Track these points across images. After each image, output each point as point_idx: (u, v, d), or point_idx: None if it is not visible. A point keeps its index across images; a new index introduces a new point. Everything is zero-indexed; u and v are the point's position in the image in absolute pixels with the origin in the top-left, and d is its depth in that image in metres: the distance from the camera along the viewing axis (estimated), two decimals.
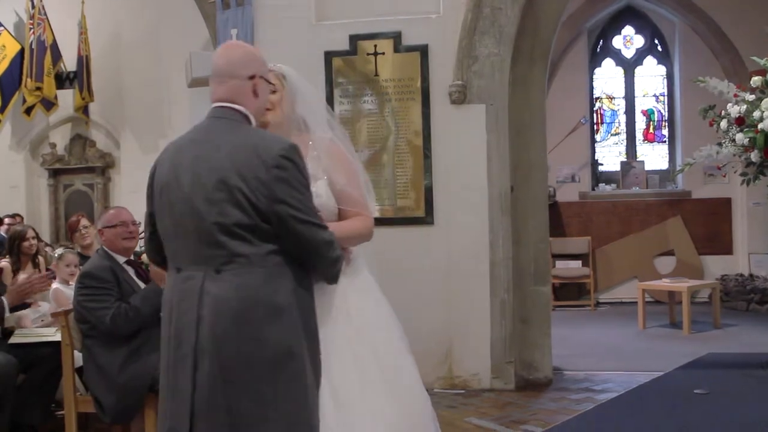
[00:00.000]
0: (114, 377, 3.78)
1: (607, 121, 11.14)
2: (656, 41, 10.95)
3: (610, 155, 11.06)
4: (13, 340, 4.42)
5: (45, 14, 9.46)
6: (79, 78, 9.59)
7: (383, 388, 2.53)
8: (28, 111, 9.53)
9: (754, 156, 5.54)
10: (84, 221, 6.10)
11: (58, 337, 4.14)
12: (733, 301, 9.52)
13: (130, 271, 4.06)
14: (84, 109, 9.74)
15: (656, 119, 11.03)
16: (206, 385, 2.21)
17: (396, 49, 5.70)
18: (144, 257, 3.93)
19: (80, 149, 9.97)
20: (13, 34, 9.62)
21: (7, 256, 5.32)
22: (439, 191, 5.64)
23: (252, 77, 2.37)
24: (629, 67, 11.04)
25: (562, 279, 10.04)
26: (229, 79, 2.36)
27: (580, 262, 10.16)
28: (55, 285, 5.04)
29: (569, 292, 10.26)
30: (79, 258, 5.35)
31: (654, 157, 10.97)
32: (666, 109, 10.97)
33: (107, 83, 9.69)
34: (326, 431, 2.36)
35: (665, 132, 10.97)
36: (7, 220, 8.01)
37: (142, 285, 4.04)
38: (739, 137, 5.55)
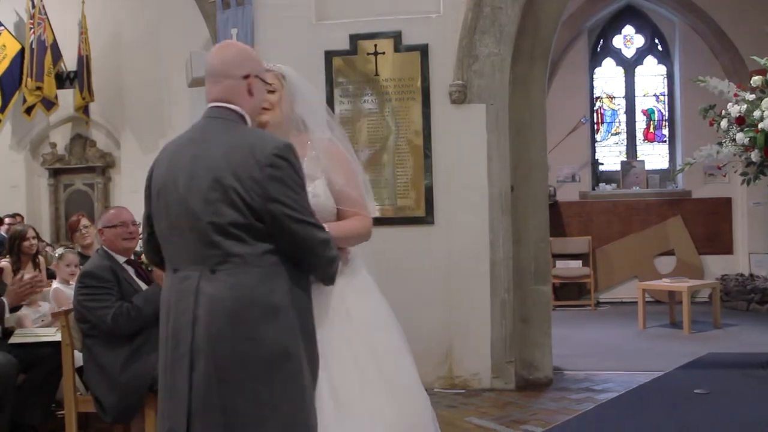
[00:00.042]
0: (115, 377, 3.79)
1: (608, 120, 11.14)
2: (656, 41, 10.95)
3: (610, 155, 11.06)
4: (13, 340, 4.42)
5: (45, 14, 9.46)
6: (79, 78, 9.59)
7: (382, 388, 2.52)
8: (29, 111, 9.53)
9: (755, 156, 5.54)
10: (84, 221, 6.11)
11: (58, 337, 4.14)
12: (734, 300, 9.52)
13: (130, 270, 4.06)
14: (84, 109, 9.74)
15: (656, 119, 11.03)
16: (202, 385, 2.21)
17: (396, 49, 5.70)
18: (144, 257, 3.93)
19: (80, 149, 9.97)
20: (13, 33, 9.62)
21: (8, 256, 5.32)
22: (440, 191, 5.64)
23: (246, 76, 2.37)
24: (629, 66, 11.04)
25: (563, 279, 10.04)
26: (223, 78, 2.35)
27: (580, 261, 10.16)
28: (55, 285, 5.05)
29: (569, 291, 10.26)
30: (80, 258, 5.35)
31: (654, 156, 10.98)
32: (666, 109, 10.97)
33: (107, 83, 9.69)
34: (325, 431, 2.35)
35: (665, 132, 10.97)
36: (7, 220, 8.01)
37: (142, 284, 4.04)
38: (740, 137, 5.55)
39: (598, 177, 10.88)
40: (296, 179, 2.26)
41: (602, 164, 10.99)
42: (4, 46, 9.50)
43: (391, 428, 2.48)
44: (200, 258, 2.25)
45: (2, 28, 9.56)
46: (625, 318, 8.84)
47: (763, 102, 5.42)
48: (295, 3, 5.80)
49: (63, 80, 9.83)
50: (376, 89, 5.73)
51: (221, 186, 2.20)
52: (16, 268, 5.23)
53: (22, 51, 9.43)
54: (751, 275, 9.90)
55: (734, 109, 5.63)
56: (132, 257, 4.14)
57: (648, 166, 10.80)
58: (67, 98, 9.76)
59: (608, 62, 11.09)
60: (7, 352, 4.26)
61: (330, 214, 2.62)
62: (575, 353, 6.69)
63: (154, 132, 9.25)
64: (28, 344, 4.41)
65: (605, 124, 11.13)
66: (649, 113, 11.06)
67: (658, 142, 11.01)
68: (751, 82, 5.66)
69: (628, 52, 11.05)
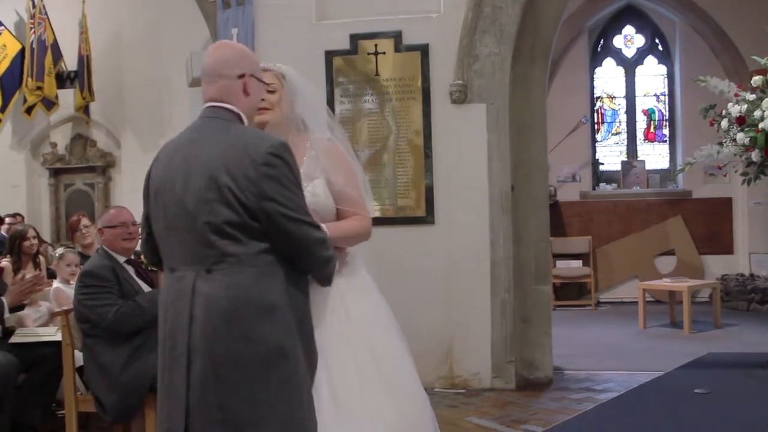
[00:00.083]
0: (116, 376, 3.79)
1: (608, 120, 11.13)
2: (657, 40, 10.94)
3: (610, 155, 11.06)
4: (13, 339, 4.42)
5: (46, 14, 9.46)
6: (79, 77, 9.59)
7: (382, 388, 2.52)
8: (29, 110, 9.53)
9: (755, 155, 5.53)
10: (85, 221, 6.11)
11: (58, 337, 4.14)
12: (734, 300, 9.52)
13: (131, 270, 4.06)
14: (85, 109, 9.73)
15: (657, 119, 11.02)
16: (199, 385, 2.21)
17: (396, 49, 5.70)
18: (143, 257, 3.94)
19: (81, 149, 9.97)
20: (13, 33, 9.62)
21: (8, 256, 5.32)
22: (440, 191, 5.64)
23: (241, 76, 2.36)
24: (630, 66, 11.04)
25: (563, 278, 10.04)
26: (218, 78, 2.35)
27: (580, 261, 10.16)
28: (55, 284, 5.05)
29: (570, 291, 10.26)
30: (80, 257, 5.35)
31: (655, 156, 10.97)
32: (667, 109, 10.97)
33: (108, 83, 9.69)
34: (325, 431, 2.35)
35: (666, 131, 10.97)
36: (7, 220, 8.00)
37: (142, 284, 4.05)
38: (740, 137, 5.54)
39: (599, 177, 10.88)
40: (291, 178, 2.25)
41: (603, 164, 10.98)
42: (5, 45, 9.50)
43: (391, 428, 2.49)
44: (196, 258, 2.25)
45: (2, 27, 9.56)
46: (625, 318, 8.84)
47: (763, 102, 5.42)
48: (295, 3, 5.80)
49: (63, 80, 9.83)
50: (376, 89, 5.73)
51: (216, 185, 2.20)
52: (17, 268, 5.23)
53: (22, 51, 9.43)
54: (752, 275, 9.89)
55: (735, 109, 5.63)
56: (132, 257, 4.14)
57: (648, 166, 10.80)
58: (68, 98, 9.76)
59: (609, 62, 11.09)
60: (7, 351, 4.27)
61: (330, 213, 2.62)
62: (576, 353, 6.69)
63: (155, 132, 9.24)
64: (29, 344, 4.41)
65: (606, 124, 11.13)
66: (649, 113, 11.05)
67: (659, 142, 11.01)
68: (752, 81, 5.66)
69: (629, 52, 11.05)
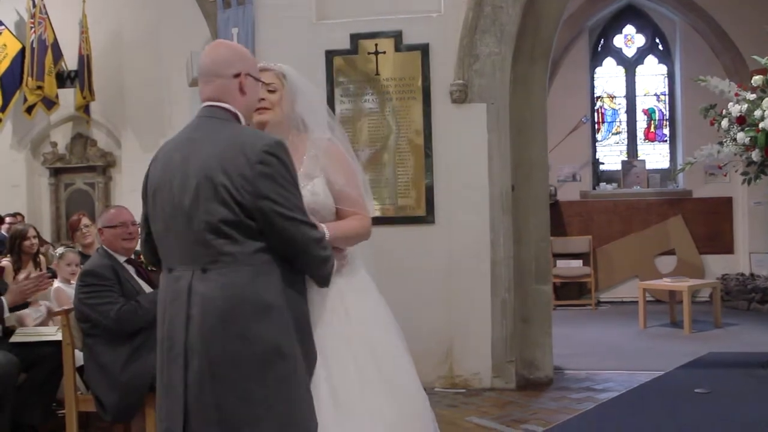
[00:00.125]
0: (116, 376, 3.79)
1: (608, 120, 11.14)
2: (657, 40, 10.94)
3: (611, 154, 11.06)
4: (14, 339, 4.42)
5: (46, 13, 9.46)
6: (80, 77, 9.59)
7: (382, 388, 2.52)
8: (29, 110, 9.52)
9: (755, 155, 5.53)
10: (85, 220, 6.11)
11: (59, 336, 4.14)
12: (734, 300, 9.53)
13: (131, 269, 4.06)
14: (85, 108, 9.73)
15: (657, 118, 11.02)
16: (196, 384, 2.21)
17: (397, 48, 5.70)
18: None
19: (81, 148, 9.97)
20: (14, 33, 9.62)
21: (8, 255, 5.32)
22: (440, 190, 5.64)
23: (237, 75, 2.36)
24: (630, 66, 11.04)
25: (563, 278, 10.04)
26: (215, 78, 2.35)
27: (581, 261, 10.16)
28: (56, 284, 5.04)
29: (570, 291, 10.26)
30: (80, 257, 5.35)
31: (655, 156, 10.97)
32: (667, 108, 10.97)
33: (108, 82, 9.69)
34: (325, 431, 2.35)
35: (666, 131, 10.97)
36: (8, 219, 8.00)
37: (142, 284, 4.05)
38: (740, 136, 5.54)
39: (599, 176, 10.88)
40: (287, 177, 2.24)
41: (603, 164, 10.98)
42: (5, 45, 9.50)
43: (391, 428, 2.48)
44: (193, 257, 2.25)
45: (3, 27, 9.56)
46: (625, 317, 8.84)
47: (763, 101, 5.42)
48: (295, 2, 5.80)
49: (64, 79, 9.83)
50: (376, 89, 5.73)
51: (212, 184, 2.20)
52: (17, 268, 5.23)
53: (22, 50, 9.43)
54: (752, 275, 9.89)
55: (735, 109, 5.63)
56: (132, 257, 4.14)
57: (649, 166, 10.80)
58: (68, 97, 9.76)
59: (609, 62, 11.09)
60: (7, 351, 4.27)
61: (329, 212, 2.62)
62: (576, 353, 6.69)
63: (155, 131, 9.24)
64: (29, 343, 4.41)
65: (606, 124, 11.13)
66: (649, 113, 11.05)
67: (659, 141, 11.01)
68: (752, 81, 5.66)
69: (629, 52, 11.05)
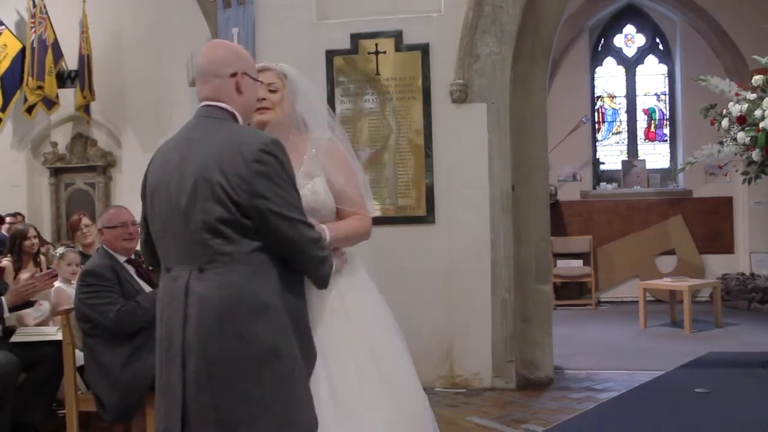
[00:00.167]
0: (116, 376, 3.79)
1: (609, 120, 11.13)
2: (657, 40, 10.94)
3: (611, 154, 11.06)
4: (14, 338, 4.42)
5: (46, 13, 9.46)
6: (80, 77, 9.59)
7: (382, 388, 2.52)
8: (30, 110, 9.52)
9: (756, 155, 5.53)
10: (85, 220, 6.11)
11: (59, 336, 4.15)
12: (735, 300, 9.53)
13: (131, 270, 4.07)
14: (85, 108, 9.73)
15: (657, 118, 11.02)
16: (194, 384, 2.21)
17: (397, 48, 5.70)
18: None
19: (81, 148, 9.97)
20: (14, 33, 9.62)
21: (9, 255, 5.32)
22: (441, 190, 5.64)
23: (234, 74, 2.36)
24: (630, 65, 11.04)
25: (564, 278, 10.04)
26: (212, 78, 2.36)
27: (581, 261, 10.16)
28: (56, 284, 5.04)
29: (570, 291, 10.26)
30: (81, 257, 5.35)
31: (655, 156, 10.97)
32: (667, 108, 10.97)
33: (108, 82, 9.69)
34: (325, 431, 2.35)
35: (666, 131, 10.97)
36: (8, 219, 8.01)
37: (142, 284, 4.05)
38: (741, 136, 5.54)
39: (599, 176, 10.88)
40: (283, 176, 2.23)
41: (603, 163, 10.98)
42: (5, 45, 9.50)
43: (391, 428, 2.48)
44: (190, 257, 2.25)
45: (3, 27, 9.56)
46: (626, 317, 8.84)
47: (764, 101, 5.41)
48: (296, 2, 5.80)
49: (64, 79, 9.83)
50: (377, 88, 5.73)
51: (209, 184, 2.20)
52: (17, 268, 5.24)
53: (23, 50, 9.43)
54: (752, 274, 9.89)
55: (735, 109, 5.63)
56: (132, 257, 4.14)
57: (649, 166, 10.80)
58: (68, 97, 9.76)
59: (609, 61, 11.09)
60: (8, 351, 4.27)
61: (330, 212, 2.62)
62: (576, 352, 6.69)
63: (155, 131, 9.23)
64: (30, 343, 4.41)
65: (606, 124, 11.13)
66: (650, 112, 11.05)
67: (659, 141, 11.01)
68: (752, 81, 5.66)
69: (629, 52, 11.05)
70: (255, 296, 2.21)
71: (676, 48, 10.64)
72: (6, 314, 4.36)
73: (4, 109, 9.49)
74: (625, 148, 11.04)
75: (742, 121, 5.56)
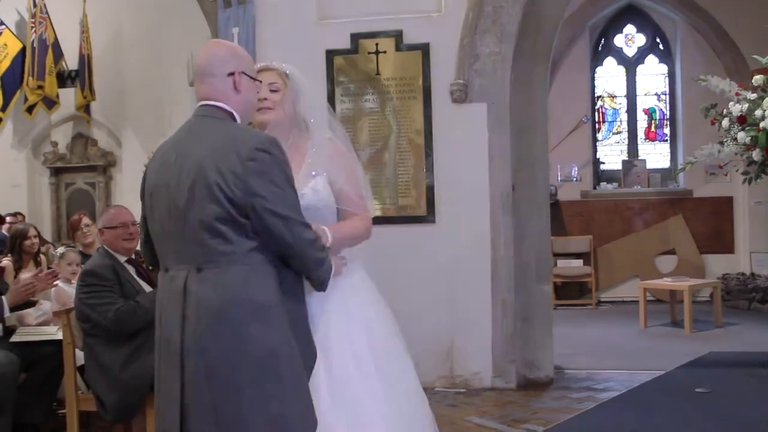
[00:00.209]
0: (116, 375, 3.79)
1: (609, 119, 11.13)
2: (658, 40, 10.94)
3: (611, 154, 11.05)
4: (14, 338, 4.42)
5: (46, 13, 9.46)
6: (80, 76, 9.59)
7: (382, 388, 2.52)
8: (30, 110, 9.53)
9: (756, 155, 5.53)
10: (86, 220, 6.11)
11: (59, 336, 4.15)
12: (735, 300, 9.52)
13: (131, 269, 4.07)
14: (85, 108, 9.74)
15: (658, 118, 11.02)
16: (192, 384, 2.21)
17: (397, 48, 5.70)
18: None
19: (82, 148, 9.97)
20: (14, 32, 9.62)
21: (9, 255, 5.33)
22: (441, 190, 5.64)
23: (231, 74, 2.36)
24: (631, 65, 11.04)
25: (564, 278, 10.03)
26: (209, 77, 2.36)
27: (581, 260, 10.16)
28: (57, 284, 5.04)
29: (571, 291, 10.26)
30: (81, 256, 5.35)
31: (655, 155, 10.97)
32: (667, 108, 10.97)
33: (109, 82, 9.69)
34: (324, 431, 2.35)
35: (667, 131, 10.97)
36: (8, 219, 8.01)
37: (143, 284, 4.05)
38: (741, 136, 5.54)
39: (600, 176, 10.88)
40: (280, 174, 2.23)
41: (603, 163, 10.98)
42: (6, 45, 9.50)
43: (391, 427, 2.49)
44: (188, 257, 2.25)
45: (3, 27, 9.56)
46: (626, 317, 8.84)
47: (764, 101, 5.41)
48: (296, 2, 5.79)
49: (64, 79, 9.83)
50: (377, 88, 5.73)
51: (206, 183, 2.20)
52: (18, 267, 5.24)
53: (23, 50, 9.43)
54: (753, 274, 9.89)
55: (735, 108, 5.63)
56: (133, 256, 4.14)
57: (649, 165, 10.79)
58: (69, 97, 9.76)
59: (609, 61, 11.09)
60: (8, 350, 4.27)
61: (331, 211, 2.63)
62: (576, 352, 6.69)
63: (156, 131, 9.21)
64: (30, 343, 4.41)
65: (606, 123, 11.13)
66: (650, 112, 11.05)
67: (660, 141, 11.00)
68: (753, 81, 5.66)
69: (630, 51, 11.04)
70: (252, 297, 2.20)
71: (677, 48, 10.63)
72: (6, 314, 4.37)
73: (4, 108, 9.49)
74: (625, 147, 11.04)
75: (742, 120, 5.56)
